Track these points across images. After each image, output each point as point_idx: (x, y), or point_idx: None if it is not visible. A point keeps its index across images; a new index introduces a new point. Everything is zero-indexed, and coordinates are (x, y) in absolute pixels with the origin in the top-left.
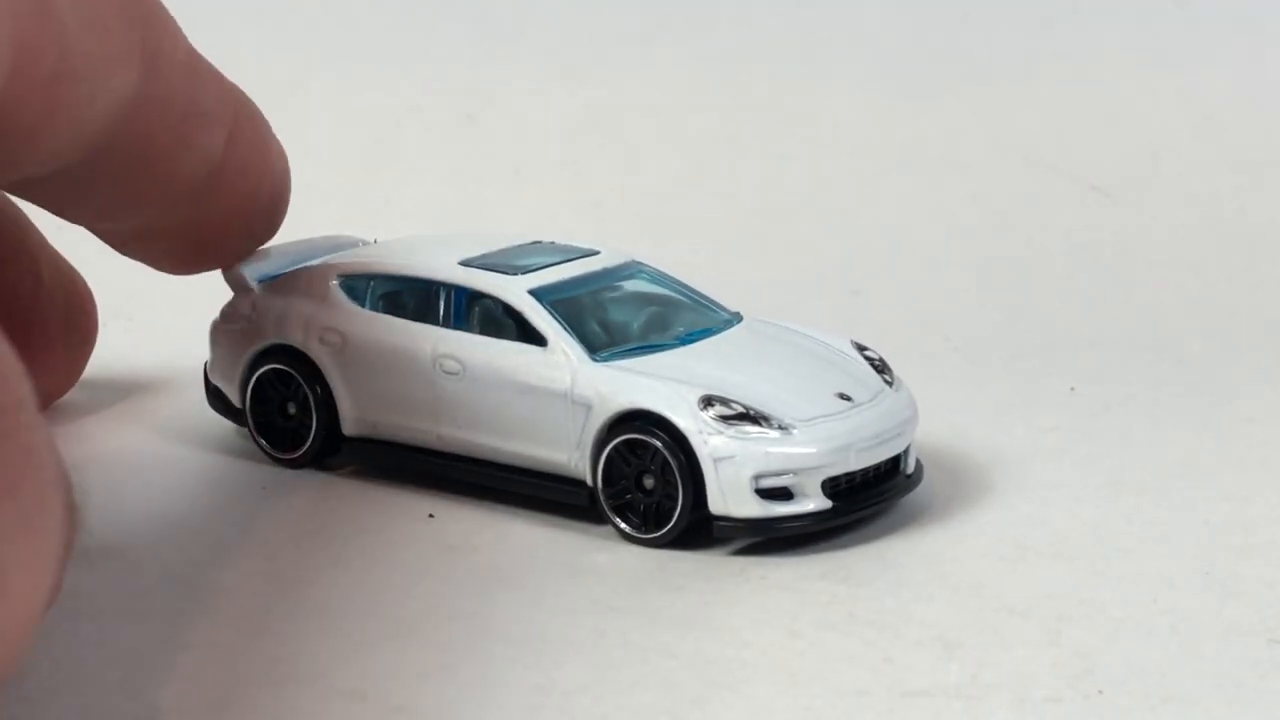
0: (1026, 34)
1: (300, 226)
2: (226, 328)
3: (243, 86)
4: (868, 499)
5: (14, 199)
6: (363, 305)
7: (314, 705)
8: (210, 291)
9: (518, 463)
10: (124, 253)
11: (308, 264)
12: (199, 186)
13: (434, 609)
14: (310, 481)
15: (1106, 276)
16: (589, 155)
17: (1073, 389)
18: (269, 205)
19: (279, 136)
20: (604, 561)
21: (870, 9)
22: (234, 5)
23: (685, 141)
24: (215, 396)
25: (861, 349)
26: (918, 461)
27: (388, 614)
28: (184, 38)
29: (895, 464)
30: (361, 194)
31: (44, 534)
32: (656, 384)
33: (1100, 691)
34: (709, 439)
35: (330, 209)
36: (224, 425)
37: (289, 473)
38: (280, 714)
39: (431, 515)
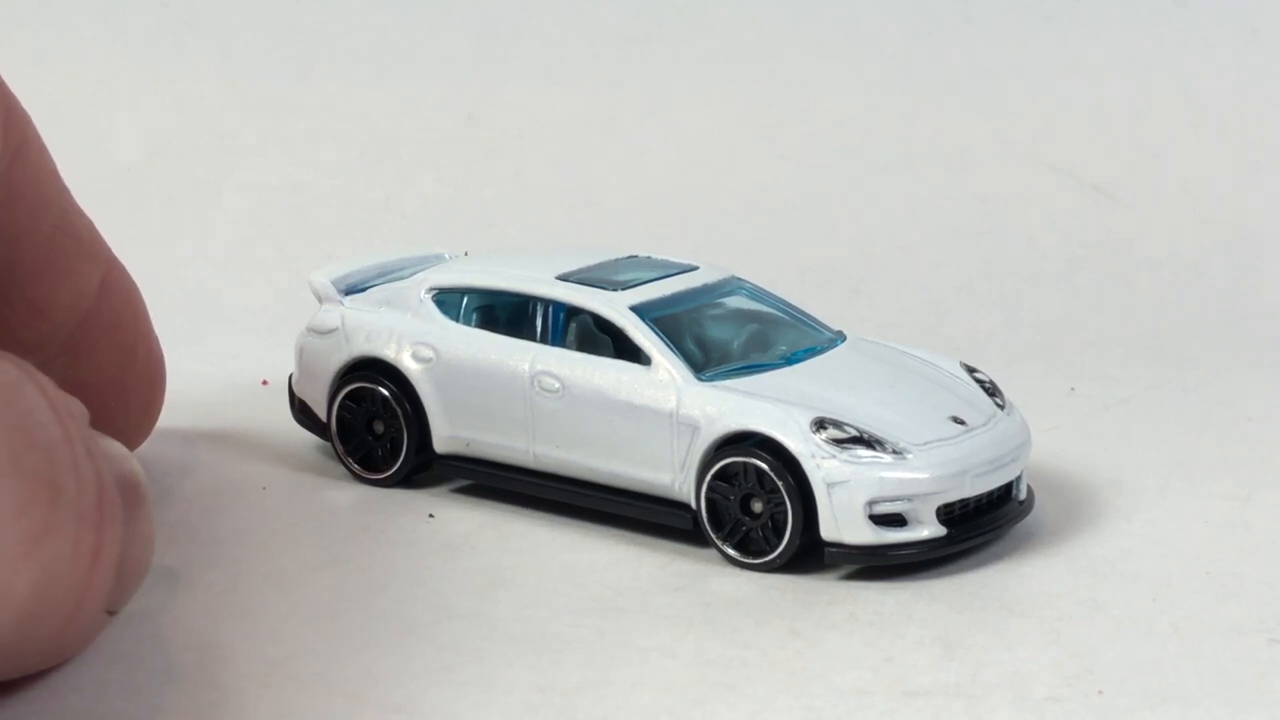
0: (1027, 33)
1: (304, 226)
2: (313, 341)
3: (243, 87)
4: (981, 526)
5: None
6: (456, 319)
7: (314, 705)
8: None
9: (617, 484)
10: None
11: (397, 276)
12: (72, 328)
13: (434, 609)
14: (310, 481)
15: (1106, 276)
16: (589, 155)
17: (1073, 389)
18: (145, 378)
19: (279, 136)
20: (605, 561)
21: (870, 9)
22: (234, 5)
23: (685, 141)
24: (301, 412)
25: (971, 370)
26: (1029, 488)
27: (388, 614)
28: (53, 162)
29: (1007, 491)
30: (361, 194)
31: None
32: (766, 405)
33: (1100, 691)
34: (822, 463)
35: (330, 209)
36: (222, 425)
37: (288, 473)
38: (280, 714)
39: (431, 515)
